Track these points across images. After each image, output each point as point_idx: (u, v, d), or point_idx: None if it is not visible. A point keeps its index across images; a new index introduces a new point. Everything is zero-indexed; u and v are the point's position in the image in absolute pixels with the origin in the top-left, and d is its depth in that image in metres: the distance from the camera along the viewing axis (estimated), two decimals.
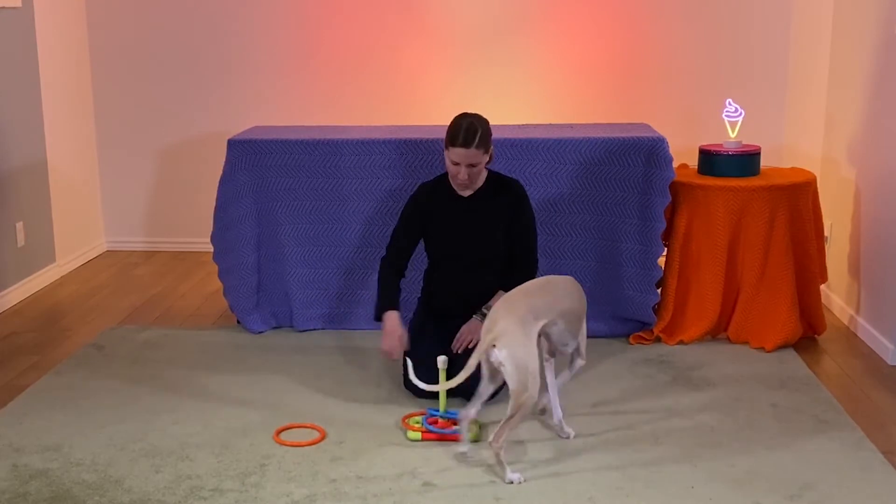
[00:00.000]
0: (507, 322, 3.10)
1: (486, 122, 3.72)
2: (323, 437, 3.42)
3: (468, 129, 3.63)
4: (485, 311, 3.76)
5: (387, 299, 3.79)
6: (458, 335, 3.77)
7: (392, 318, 3.71)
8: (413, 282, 4.10)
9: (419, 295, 4.08)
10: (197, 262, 5.88)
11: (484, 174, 3.83)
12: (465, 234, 3.82)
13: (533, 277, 3.84)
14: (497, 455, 3.10)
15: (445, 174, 3.86)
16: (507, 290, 3.76)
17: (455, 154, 3.66)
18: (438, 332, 3.84)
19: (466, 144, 3.62)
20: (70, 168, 5.83)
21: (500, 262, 3.85)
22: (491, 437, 3.10)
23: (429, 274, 4.00)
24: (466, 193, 3.83)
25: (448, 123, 3.73)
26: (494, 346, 3.06)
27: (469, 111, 3.77)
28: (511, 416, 3.06)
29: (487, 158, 3.74)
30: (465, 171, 3.68)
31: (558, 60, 5.84)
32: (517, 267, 3.83)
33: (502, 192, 3.84)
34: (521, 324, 3.12)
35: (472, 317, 3.79)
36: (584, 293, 3.47)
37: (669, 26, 5.78)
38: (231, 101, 6.03)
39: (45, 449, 3.36)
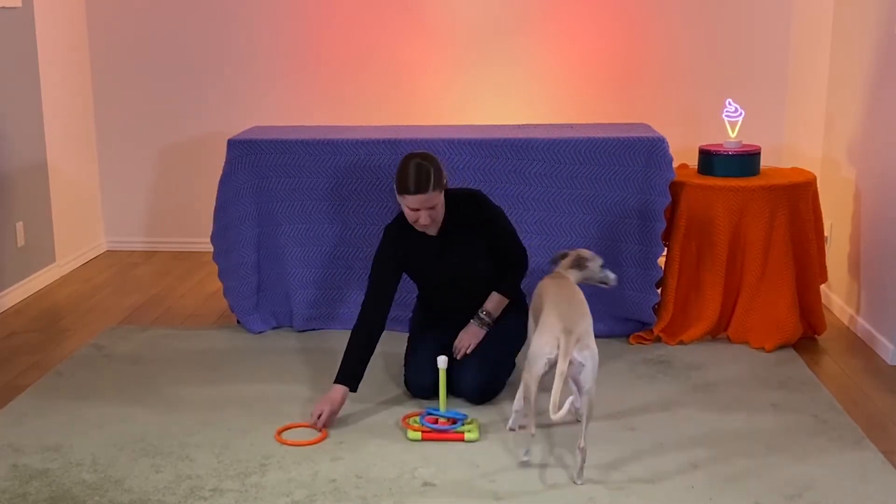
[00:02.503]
0: (587, 323, 3.17)
1: (434, 158, 3.52)
2: (323, 437, 3.42)
3: (419, 173, 3.44)
4: (482, 315, 3.75)
5: (347, 371, 3.53)
6: (457, 341, 3.75)
7: (337, 391, 3.49)
8: (411, 282, 4.09)
9: (417, 293, 4.07)
10: (197, 262, 5.88)
11: (442, 203, 3.60)
12: (448, 269, 3.73)
13: (525, 271, 3.85)
14: (584, 455, 3.08)
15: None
16: (500, 290, 3.76)
17: (411, 201, 3.47)
18: (437, 333, 3.83)
19: (421, 190, 3.44)
20: (70, 168, 5.83)
21: (490, 273, 3.78)
22: (581, 441, 3.07)
23: (420, 294, 3.98)
24: (432, 232, 3.68)
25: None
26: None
27: (415, 151, 3.59)
28: (589, 414, 3.11)
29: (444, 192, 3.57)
30: (426, 214, 3.50)
31: (558, 60, 5.84)
32: (509, 266, 3.80)
33: (465, 211, 3.68)
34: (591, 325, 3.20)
35: (469, 320, 3.78)
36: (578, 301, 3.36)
37: (669, 26, 5.78)
38: (231, 101, 6.03)
39: (45, 449, 3.36)
